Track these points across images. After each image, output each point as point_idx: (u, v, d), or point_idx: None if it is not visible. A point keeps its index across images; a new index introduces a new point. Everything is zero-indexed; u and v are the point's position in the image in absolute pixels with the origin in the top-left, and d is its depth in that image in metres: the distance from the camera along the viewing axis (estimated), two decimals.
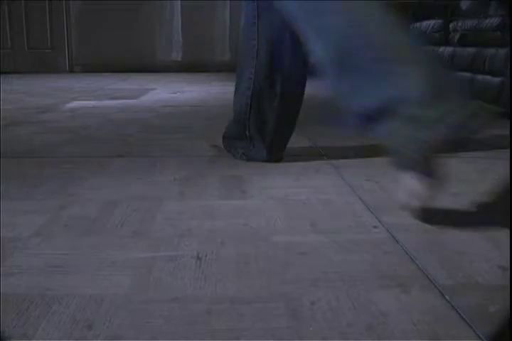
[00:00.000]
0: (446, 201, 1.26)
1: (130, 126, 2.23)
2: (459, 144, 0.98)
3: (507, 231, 1.06)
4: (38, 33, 5.27)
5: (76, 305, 0.76)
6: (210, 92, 3.54)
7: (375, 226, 1.09)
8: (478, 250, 0.97)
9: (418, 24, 3.60)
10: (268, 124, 1.54)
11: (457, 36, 3.01)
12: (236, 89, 1.58)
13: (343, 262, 0.92)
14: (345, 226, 1.09)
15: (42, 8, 5.22)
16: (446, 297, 0.79)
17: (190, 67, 5.38)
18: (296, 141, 1.94)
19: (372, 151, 1.77)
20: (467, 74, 2.86)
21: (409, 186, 1.00)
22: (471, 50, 2.85)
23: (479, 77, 2.75)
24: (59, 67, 5.36)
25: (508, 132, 2.09)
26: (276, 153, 1.60)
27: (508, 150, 1.76)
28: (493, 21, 2.67)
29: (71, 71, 5.40)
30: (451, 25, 3.11)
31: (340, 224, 1.10)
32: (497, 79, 2.59)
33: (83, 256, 0.93)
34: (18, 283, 0.83)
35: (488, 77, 2.67)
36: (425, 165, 0.98)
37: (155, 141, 1.95)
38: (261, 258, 0.93)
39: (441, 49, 3.19)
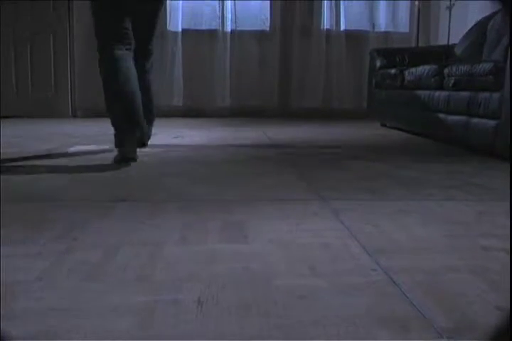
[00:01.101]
0: (442, 243, 1.28)
1: (130, 171, 2.26)
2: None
3: (506, 272, 1.07)
4: (42, 79, 5.38)
5: None
6: (210, 137, 3.59)
7: (373, 269, 1.10)
8: (476, 291, 0.99)
9: (414, 69, 3.69)
10: None
11: (452, 81, 3.08)
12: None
13: (342, 305, 0.93)
14: (344, 270, 1.10)
15: (46, 53, 5.35)
16: (445, 338, 0.80)
17: (191, 112, 5.48)
18: (296, 185, 1.97)
19: (370, 195, 1.80)
20: (463, 118, 2.92)
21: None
22: (465, 94, 2.92)
23: (475, 120, 2.81)
24: (62, 111, 5.44)
25: (506, 174, 2.12)
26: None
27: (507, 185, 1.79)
28: (485, 66, 2.74)
29: (74, 116, 5.48)
30: (445, 71, 3.18)
31: (339, 267, 1.12)
32: (492, 122, 2.64)
33: (86, 301, 0.94)
34: (20, 327, 0.84)
35: (483, 120, 2.72)
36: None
37: (156, 185, 1.97)
38: (261, 302, 0.94)
39: (437, 93, 3.26)
